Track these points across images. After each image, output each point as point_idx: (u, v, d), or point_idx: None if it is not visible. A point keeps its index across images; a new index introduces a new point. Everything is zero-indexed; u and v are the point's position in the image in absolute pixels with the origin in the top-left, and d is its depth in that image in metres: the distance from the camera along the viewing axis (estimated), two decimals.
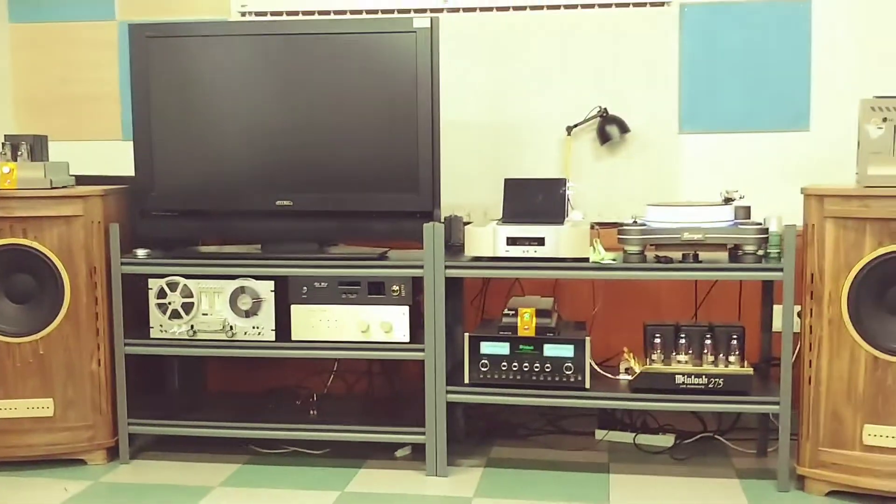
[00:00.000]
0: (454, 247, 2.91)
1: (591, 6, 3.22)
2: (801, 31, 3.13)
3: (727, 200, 2.72)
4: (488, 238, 2.71)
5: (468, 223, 2.94)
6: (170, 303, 2.85)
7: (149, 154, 2.91)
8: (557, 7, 3.23)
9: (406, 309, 2.78)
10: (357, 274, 2.79)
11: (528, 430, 3.15)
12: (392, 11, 3.29)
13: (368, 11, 3.31)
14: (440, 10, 3.27)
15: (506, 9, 3.26)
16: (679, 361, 2.69)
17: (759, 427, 2.93)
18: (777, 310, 2.81)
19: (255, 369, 3.35)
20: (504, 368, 2.73)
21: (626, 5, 3.20)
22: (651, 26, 3.19)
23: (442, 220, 2.82)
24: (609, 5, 3.21)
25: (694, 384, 2.65)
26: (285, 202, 2.86)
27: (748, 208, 2.76)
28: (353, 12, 3.31)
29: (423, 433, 2.78)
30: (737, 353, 2.67)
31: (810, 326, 2.56)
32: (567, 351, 2.70)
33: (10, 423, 2.82)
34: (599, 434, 3.07)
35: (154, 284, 2.85)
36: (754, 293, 3.01)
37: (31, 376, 2.83)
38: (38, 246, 2.79)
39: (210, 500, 2.63)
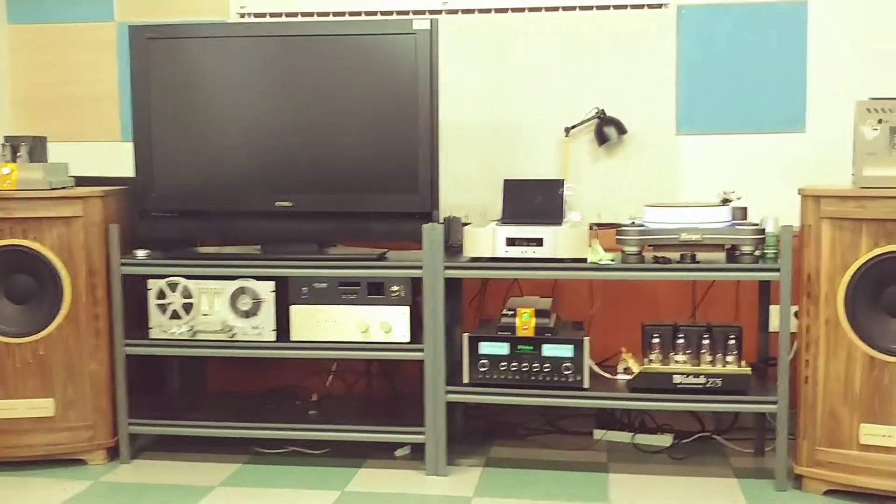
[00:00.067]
0: (453, 247, 2.93)
1: (590, 8, 3.24)
2: (798, 33, 3.15)
3: (724, 201, 2.74)
4: (487, 239, 2.72)
5: (467, 224, 2.95)
6: (170, 303, 2.85)
7: (148, 155, 2.92)
8: (556, 9, 3.25)
9: (406, 309, 2.79)
10: (357, 274, 2.80)
11: (527, 429, 3.16)
12: (391, 13, 3.31)
13: (367, 13, 3.32)
14: (439, 12, 3.28)
15: (504, 10, 3.27)
16: (677, 361, 2.71)
17: (757, 427, 2.95)
18: (774, 310, 2.83)
19: (255, 369, 3.36)
20: (503, 368, 2.74)
21: (624, 7, 3.22)
22: (649, 28, 3.21)
23: (441, 220, 2.83)
24: (607, 7, 3.22)
25: (692, 384, 2.67)
26: (285, 203, 2.87)
27: (745, 209, 2.78)
28: (351, 14, 3.33)
29: (423, 433, 2.79)
30: (734, 353, 2.69)
31: (807, 326, 2.57)
32: (566, 351, 2.71)
33: (10, 423, 2.83)
34: (598, 434, 3.09)
35: (154, 285, 2.86)
36: (751, 293, 3.03)
37: (31, 377, 2.83)
38: (37, 247, 2.80)
39: (210, 499, 2.64)
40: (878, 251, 2.48)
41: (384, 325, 2.80)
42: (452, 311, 2.93)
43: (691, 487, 2.69)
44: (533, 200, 2.86)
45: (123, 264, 2.86)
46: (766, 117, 3.18)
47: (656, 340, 2.73)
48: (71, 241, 2.81)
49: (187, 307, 2.85)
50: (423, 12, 3.29)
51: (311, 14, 3.35)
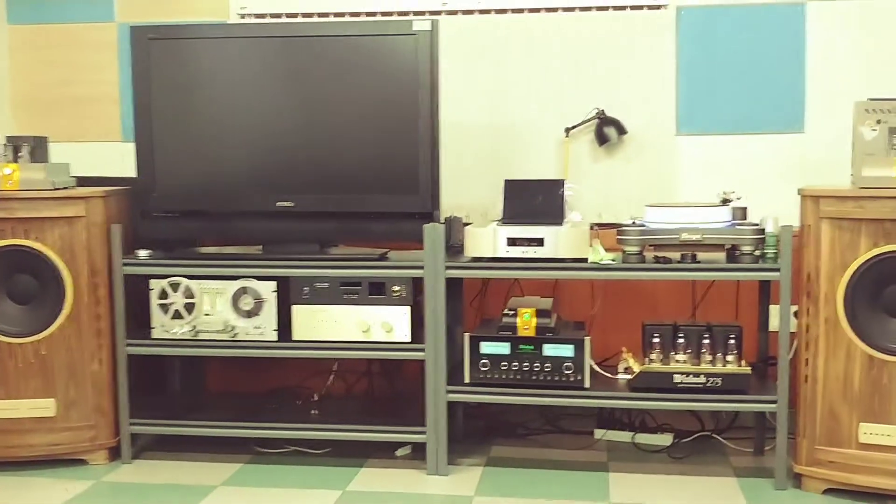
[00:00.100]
0: (454, 247, 2.93)
1: (589, 9, 3.25)
2: (797, 34, 3.16)
3: (724, 201, 2.75)
4: (488, 239, 2.73)
5: (467, 224, 2.96)
6: (172, 303, 2.86)
7: (150, 155, 2.92)
8: (555, 10, 3.26)
9: (407, 309, 2.80)
10: (358, 274, 2.81)
11: (528, 429, 3.17)
12: (391, 14, 3.32)
13: (367, 14, 3.33)
14: (439, 13, 3.29)
15: (504, 11, 3.28)
16: (677, 361, 2.72)
17: (756, 426, 2.96)
18: (774, 309, 2.84)
19: (256, 369, 3.37)
20: (504, 368, 2.75)
21: (624, 8, 3.23)
22: (648, 29, 3.22)
23: (442, 220, 2.84)
24: (606, 8, 3.23)
25: (692, 383, 2.68)
26: (286, 203, 2.88)
27: (745, 209, 2.79)
28: (351, 14, 3.34)
29: (424, 432, 2.80)
30: (734, 352, 2.70)
31: (807, 326, 2.58)
32: (567, 351, 2.72)
33: (12, 423, 2.83)
34: (598, 433, 3.10)
35: (156, 285, 2.86)
36: (751, 293, 3.04)
37: (32, 377, 2.84)
38: (39, 247, 2.80)
39: (212, 499, 2.64)
40: (877, 251, 2.49)
41: (385, 324, 2.81)
42: (453, 310, 2.94)
43: (691, 486, 2.70)
44: (534, 200, 2.87)
45: (125, 264, 2.86)
46: (766, 118, 3.19)
47: (657, 340, 2.74)
48: (73, 241, 2.82)
49: (189, 307, 2.86)
50: (423, 13, 3.30)
51: (311, 15, 3.36)
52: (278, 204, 2.88)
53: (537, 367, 2.74)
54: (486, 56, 3.30)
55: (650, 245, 2.71)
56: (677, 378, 2.68)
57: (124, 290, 2.86)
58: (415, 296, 2.82)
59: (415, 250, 2.87)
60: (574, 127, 3.24)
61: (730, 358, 2.70)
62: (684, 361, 2.72)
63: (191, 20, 3.39)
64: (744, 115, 3.20)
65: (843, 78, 3.14)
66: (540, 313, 2.77)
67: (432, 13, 3.29)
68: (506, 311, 2.82)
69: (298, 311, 2.84)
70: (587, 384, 2.72)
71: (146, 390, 3.08)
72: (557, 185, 2.89)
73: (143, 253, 2.90)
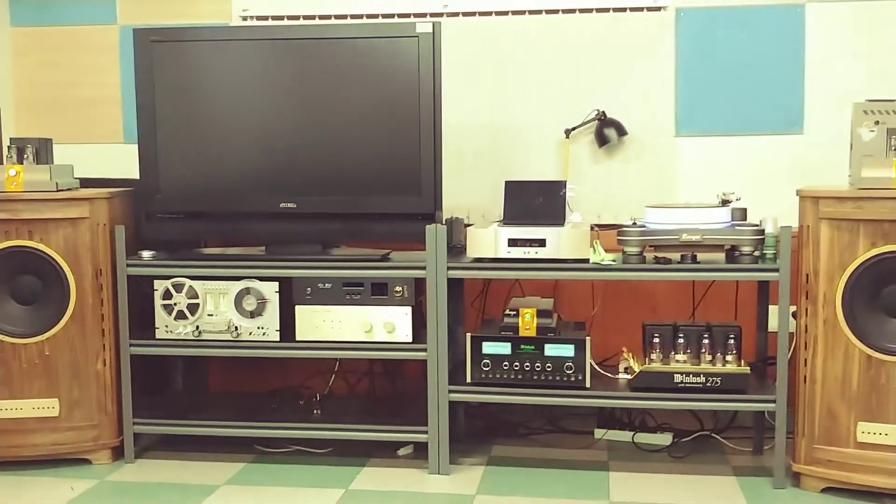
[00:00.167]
0: (455, 248, 2.95)
1: (589, 11, 3.27)
2: (796, 35, 3.18)
3: (724, 202, 2.77)
4: (490, 239, 2.75)
5: (468, 225, 2.98)
6: (175, 304, 2.88)
7: (153, 157, 2.94)
8: (556, 11, 3.28)
9: (409, 309, 2.82)
10: (360, 275, 2.83)
11: (529, 429, 3.19)
12: (392, 16, 3.33)
13: (369, 16, 3.35)
14: (440, 15, 3.31)
15: (505, 13, 3.30)
16: (677, 361, 2.74)
17: (755, 425, 2.98)
18: (773, 310, 2.86)
19: (259, 369, 3.38)
20: (505, 368, 2.77)
21: (624, 10, 3.25)
22: (648, 30, 3.24)
23: (443, 221, 2.86)
24: (607, 10, 3.25)
25: (692, 383, 2.70)
26: (289, 204, 2.90)
27: (744, 210, 2.81)
28: (353, 17, 3.35)
29: (426, 432, 2.82)
30: (734, 352, 2.72)
31: (805, 326, 2.60)
32: (568, 351, 2.74)
33: (16, 423, 2.85)
34: (599, 433, 3.12)
35: (160, 286, 2.88)
36: (751, 293, 3.06)
37: (36, 377, 2.85)
38: (43, 248, 2.82)
39: (215, 498, 2.66)
40: (875, 251, 2.51)
41: (387, 325, 2.83)
42: (455, 311, 2.96)
43: (691, 485, 2.72)
44: (534, 201, 2.89)
45: (129, 265, 2.88)
46: (765, 119, 3.21)
47: (657, 340, 2.76)
48: (77, 242, 2.84)
49: (193, 307, 2.87)
50: (423, 15, 3.31)
51: (312, 17, 3.38)
52: (281, 205, 2.90)
53: (538, 366, 2.76)
54: (487, 57, 3.31)
55: (650, 246, 2.73)
56: (677, 378, 2.70)
57: (128, 291, 2.88)
58: (417, 296, 2.84)
59: (416, 251, 2.88)
60: (574, 128, 3.25)
61: (729, 358, 2.72)
62: (684, 361, 2.74)
63: (193, 23, 3.41)
64: (743, 117, 3.22)
65: (842, 79, 3.16)
66: (541, 313, 2.79)
67: (433, 15, 3.31)
68: (507, 312, 2.84)
69: (301, 312, 2.86)
70: (588, 384, 2.74)
71: (149, 390, 3.10)
72: (558, 186, 2.91)
73: (146, 254, 2.92)
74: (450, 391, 2.79)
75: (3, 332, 2.84)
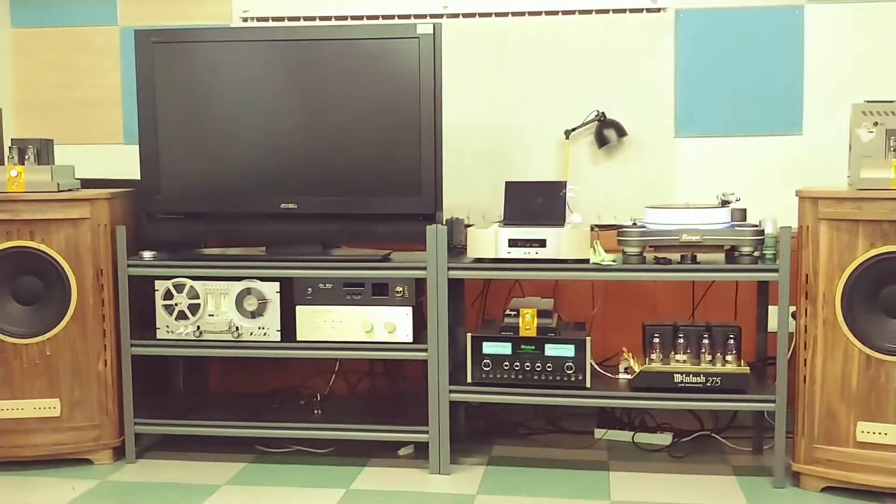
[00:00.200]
0: (455, 248, 2.96)
1: (589, 12, 3.27)
2: (795, 37, 3.19)
3: (724, 203, 2.78)
4: (490, 240, 2.76)
5: (469, 225, 2.99)
6: (176, 304, 2.88)
7: (154, 157, 2.95)
8: (556, 12, 3.29)
9: (409, 310, 2.83)
10: (361, 275, 2.84)
11: (529, 429, 3.20)
12: (392, 17, 3.34)
13: (369, 17, 3.35)
14: (440, 16, 3.32)
15: (505, 14, 3.31)
16: (677, 361, 2.75)
17: (755, 425, 2.99)
18: (772, 310, 2.87)
19: (259, 370, 3.39)
20: (506, 368, 2.78)
21: (623, 11, 3.26)
22: (647, 32, 3.25)
23: (444, 222, 2.87)
24: (606, 11, 3.26)
25: (692, 383, 2.71)
26: (290, 205, 2.90)
27: (744, 210, 2.81)
28: (353, 18, 3.36)
29: (427, 432, 2.82)
30: (733, 352, 2.73)
31: (805, 326, 2.61)
32: (568, 351, 2.75)
33: (17, 423, 2.85)
34: (599, 433, 3.12)
35: (161, 286, 2.89)
36: (750, 294, 3.07)
37: (38, 377, 2.86)
38: (45, 248, 2.82)
39: (216, 497, 2.67)
40: (874, 252, 2.52)
41: (388, 325, 2.83)
42: (455, 311, 2.96)
43: (691, 485, 2.72)
44: (535, 202, 2.90)
45: (130, 265, 2.89)
46: (764, 120, 3.22)
47: (657, 340, 2.77)
48: (78, 242, 2.84)
49: (194, 308, 2.88)
50: (424, 16, 3.32)
51: (313, 18, 3.38)
52: (282, 205, 2.91)
53: (539, 367, 2.76)
54: (487, 58, 3.32)
55: (650, 246, 2.74)
56: (677, 378, 2.71)
57: (129, 292, 2.88)
58: (417, 296, 2.85)
59: (417, 251, 2.89)
60: (574, 129, 3.26)
61: (729, 358, 2.73)
62: (684, 361, 2.75)
63: (193, 24, 3.42)
64: (742, 117, 3.23)
65: (841, 80, 3.17)
66: (541, 314, 2.80)
67: (433, 16, 3.32)
68: (508, 312, 2.85)
69: (302, 312, 2.87)
70: (588, 384, 2.75)
71: (150, 390, 3.11)
72: (558, 186, 2.92)
73: (147, 254, 2.92)
74: (450, 391, 2.80)
75: (4, 333, 2.84)
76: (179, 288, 2.88)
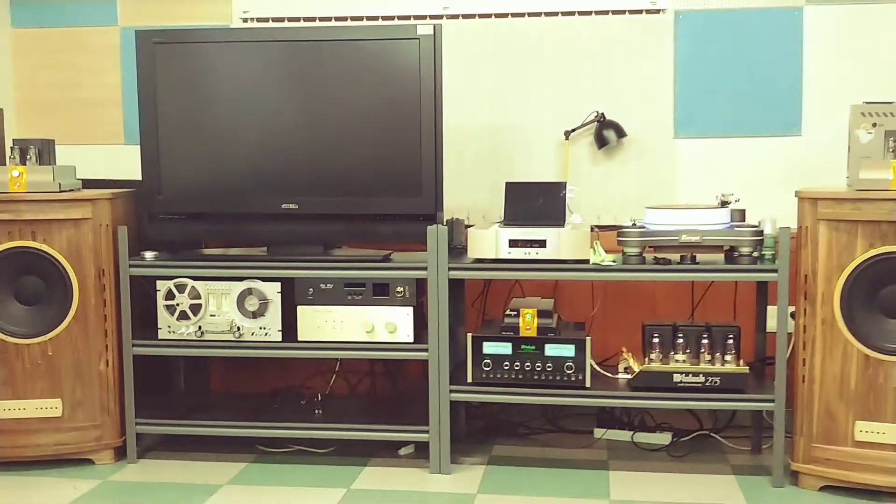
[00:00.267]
0: (456, 249, 2.97)
1: (588, 13, 3.28)
2: (794, 38, 3.20)
3: (723, 203, 2.79)
4: (490, 240, 2.77)
5: (469, 226, 2.99)
6: (178, 304, 2.89)
7: (156, 158, 2.96)
8: (555, 14, 3.30)
9: (410, 310, 2.84)
10: (362, 275, 2.85)
11: (529, 428, 3.21)
12: (392, 18, 3.35)
13: (369, 18, 3.36)
14: (440, 17, 3.32)
15: (504, 15, 3.32)
16: (677, 360, 2.76)
17: (754, 425, 3.00)
18: (771, 310, 2.89)
19: (260, 370, 3.40)
20: (506, 368, 2.79)
21: (623, 12, 3.27)
22: (647, 33, 3.26)
23: (444, 222, 2.88)
24: (606, 12, 3.27)
25: (691, 382, 2.72)
26: (291, 205, 2.91)
27: (743, 211, 2.83)
28: (353, 19, 3.37)
29: (427, 431, 2.83)
30: (733, 352, 2.74)
31: (804, 326, 2.63)
32: (568, 351, 2.76)
33: (19, 423, 2.86)
34: (598, 433, 3.14)
35: (162, 286, 2.89)
36: (749, 294, 3.09)
37: (39, 377, 2.87)
38: (46, 248, 2.83)
39: (217, 497, 2.67)
40: (873, 252, 2.53)
41: (389, 325, 2.84)
42: (455, 311, 2.98)
43: (690, 484, 2.74)
44: (535, 203, 2.91)
45: (132, 266, 2.89)
46: (763, 121, 3.23)
47: (656, 340, 2.78)
48: (79, 242, 2.85)
49: (195, 308, 2.89)
50: (424, 17, 3.33)
51: (313, 19, 3.39)
52: (283, 206, 2.91)
53: (539, 366, 2.78)
54: (486, 59, 3.33)
55: (650, 246, 2.75)
56: (677, 378, 2.72)
57: (130, 292, 2.89)
58: (418, 296, 2.86)
59: (418, 252, 2.90)
60: (574, 130, 3.27)
61: (728, 358, 2.74)
62: (683, 361, 2.76)
63: (193, 24, 3.43)
64: (742, 118, 3.24)
65: (840, 81, 3.19)
66: (541, 314, 2.81)
67: (433, 17, 3.33)
68: (508, 312, 2.86)
69: (303, 312, 2.87)
70: (588, 384, 2.76)
71: (152, 390, 3.11)
72: (558, 187, 2.93)
73: (149, 254, 2.93)
74: (451, 391, 2.81)
75: (6, 333, 2.85)
76: (181, 288, 2.89)
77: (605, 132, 3.24)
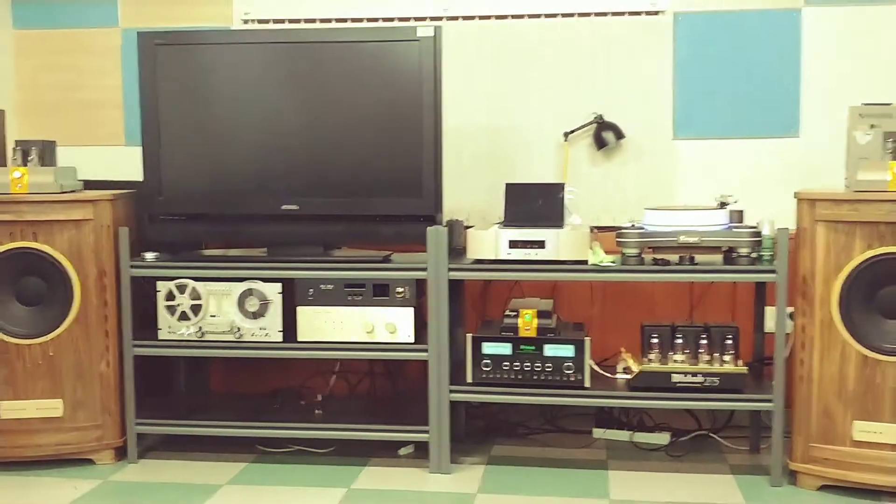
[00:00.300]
0: (455, 250, 2.98)
1: (588, 15, 3.29)
2: (792, 39, 3.21)
3: (722, 205, 2.80)
4: (490, 241, 2.78)
5: (468, 227, 3.01)
6: (178, 305, 2.90)
7: (157, 159, 2.97)
8: (554, 15, 3.31)
9: (410, 310, 2.85)
10: (362, 276, 2.86)
11: (528, 428, 3.22)
12: (392, 19, 3.36)
13: (369, 19, 3.37)
14: (440, 19, 3.34)
15: (504, 17, 3.33)
16: (676, 361, 2.77)
17: (752, 424, 3.01)
18: (770, 311, 2.90)
19: (260, 370, 3.41)
20: (506, 368, 2.80)
21: (622, 14, 3.28)
22: (646, 34, 3.27)
23: (444, 223, 2.89)
24: (605, 14, 3.28)
25: (690, 383, 2.73)
26: (291, 206, 2.92)
27: (742, 212, 2.84)
28: (353, 20, 3.38)
29: (427, 431, 2.84)
30: (731, 352, 2.75)
31: (802, 326, 2.64)
32: (567, 351, 2.77)
33: (20, 423, 2.87)
34: (597, 433, 3.15)
35: (163, 287, 2.90)
36: (748, 294, 3.10)
37: (40, 377, 2.87)
38: (48, 249, 2.84)
39: (218, 497, 2.68)
40: (871, 253, 2.55)
41: (389, 325, 2.85)
42: (455, 312, 2.98)
43: (689, 484, 2.75)
44: (534, 204, 2.92)
45: (133, 266, 2.90)
46: (762, 122, 3.24)
47: (655, 340, 2.79)
48: (81, 243, 2.86)
49: (196, 308, 2.90)
50: (423, 19, 3.34)
51: (313, 20, 3.40)
52: (283, 207, 2.92)
53: (538, 367, 2.79)
54: (486, 61, 3.34)
55: (649, 247, 2.76)
56: (675, 378, 2.73)
57: (131, 292, 2.90)
58: (418, 297, 2.87)
59: (417, 252, 2.91)
60: (573, 131, 3.28)
61: (727, 358, 2.75)
62: (682, 361, 2.77)
63: (194, 26, 3.43)
64: (740, 120, 3.25)
65: (838, 83, 3.20)
66: (541, 314, 2.82)
67: (433, 19, 3.34)
68: (507, 313, 2.87)
69: (303, 313, 2.88)
70: (587, 384, 2.77)
71: (152, 391, 3.12)
72: (557, 188, 2.94)
73: (149, 255, 2.94)
74: (450, 391, 2.82)
75: (7, 333, 2.86)
76: (181, 289, 2.90)
77: (604, 133, 3.25)
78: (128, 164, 3.41)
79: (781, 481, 2.71)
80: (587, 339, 2.77)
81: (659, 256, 2.78)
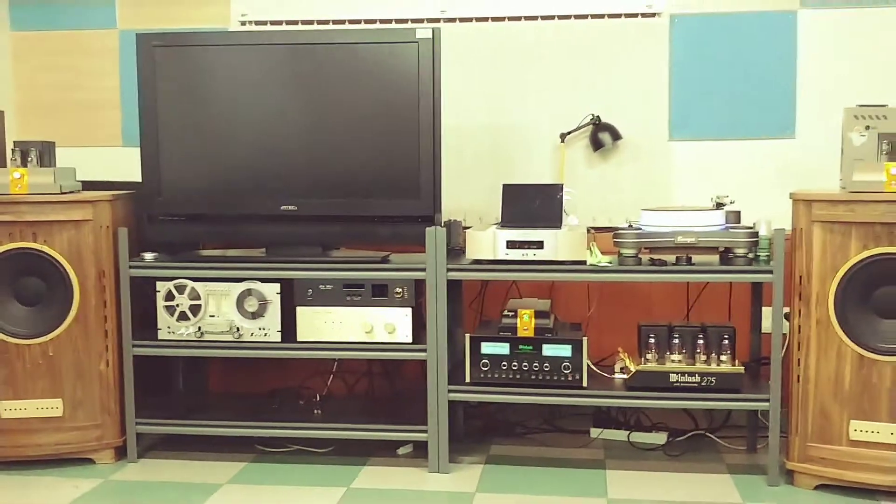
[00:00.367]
0: (454, 250, 2.99)
1: (585, 16, 3.31)
2: (788, 41, 3.23)
3: (718, 205, 2.82)
4: (488, 242, 2.79)
5: (466, 227, 3.02)
6: (178, 305, 2.91)
7: (155, 160, 2.98)
8: (552, 17, 3.32)
9: (409, 310, 2.86)
10: (361, 276, 2.87)
11: (526, 428, 3.23)
12: (390, 21, 3.37)
13: (367, 21, 3.38)
14: (437, 20, 3.35)
15: (501, 19, 3.34)
16: (673, 361, 2.78)
17: (749, 424, 3.03)
18: (766, 311, 2.91)
19: (259, 370, 3.42)
20: (504, 368, 2.81)
21: (619, 16, 3.29)
22: (642, 36, 3.28)
23: (442, 224, 2.90)
24: (602, 16, 3.30)
25: (687, 382, 2.74)
26: (290, 207, 2.93)
27: (738, 213, 2.86)
28: (351, 22, 3.39)
29: (425, 431, 2.85)
30: (728, 352, 2.77)
31: (798, 326, 2.65)
32: (565, 351, 2.78)
33: (20, 423, 2.88)
34: (595, 432, 3.16)
35: (162, 287, 2.91)
36: (744, 295, 3.11)
37: (40, 377, 2.88)
38: (47, 249, 2.85)
39: (217, 497, 2.69)
40: (866, 253, 2.56)
41: (388, 325, 2.86)
42: (453, 312, 2.99)
43: (686, 483, 2.76)
44: (532, 204, 2.94)
45: (132, 267, 2.91)
46: (757, 123, 3.26)
47: (652, 340, 2.80)
48: (80, 244, 2.87)
49: (195, 309, 2.91)
50: (421, 21, 3.35)
51: (311, 22, 3.41)
52: (282, 208, 2.94)
53: (536, 366, 2.80)
54: (484, 62, 3.36)
55: (646, 248, 2.77)
56: (672, 377, 2.75)
57: (130, 293, 2.91)
58: (417, 297, 2.88)
59: (416, 253, 2.92)
60: (570, 132, 3.30)
61: (723, 358, 2.76)
62: (679, 361, 2.78)
63: (192, 27, 3.44)
64: (736, 121, 3.27)
65: (834, 85, 3.21)
66: (539, 314, 2.84)
67: (431, 21, 3.35)
68: (505, 313, 2.88)
69: (302, 313, 2.89)
70: (585, 384, 2.79)
71: (152, 390, 3.13)
72: (555, 189, 2.95)
73: (149, 256, 2.95)
74: (449, 391, 2.83)
75: (7, 333, 2.87)
76: (181, 289, 2.91)
77: (601, 135, 3.27)
78: (126, 165, 3.42)
79: (778, 481, 2.73)
80: (585, 339, 2.79)
81: (656, 257, 2.79)
